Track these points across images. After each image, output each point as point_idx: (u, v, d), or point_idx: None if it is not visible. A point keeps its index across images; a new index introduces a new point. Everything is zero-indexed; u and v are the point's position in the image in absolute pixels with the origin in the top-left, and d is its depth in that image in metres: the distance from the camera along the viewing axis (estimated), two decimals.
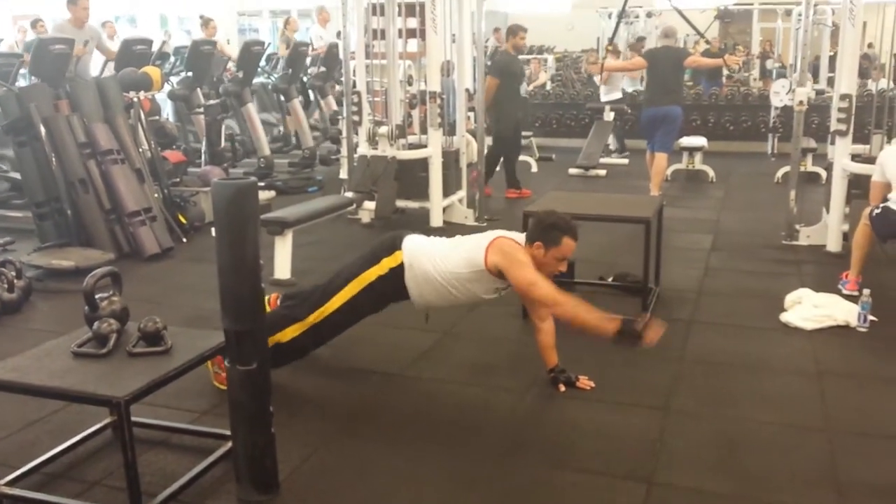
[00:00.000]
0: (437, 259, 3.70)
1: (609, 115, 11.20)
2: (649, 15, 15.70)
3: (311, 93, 10.96)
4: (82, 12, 8.33)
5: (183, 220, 6.82)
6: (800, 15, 10.05)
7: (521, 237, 3.74)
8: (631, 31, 16.37)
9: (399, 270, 3.72)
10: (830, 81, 11.49)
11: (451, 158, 7.51)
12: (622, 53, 13.48)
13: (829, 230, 6.25)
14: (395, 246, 3.76)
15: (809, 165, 8.83)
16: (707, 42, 11.43)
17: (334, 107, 11.18)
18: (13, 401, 3.10)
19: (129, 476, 2.65)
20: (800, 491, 2.95)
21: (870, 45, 11.07)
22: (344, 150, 8.04)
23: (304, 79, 10.99)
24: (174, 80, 9.51)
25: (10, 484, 2.93)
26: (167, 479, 2.98)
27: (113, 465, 3.09)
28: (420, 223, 6.88)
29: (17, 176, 6.76)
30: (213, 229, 2.89)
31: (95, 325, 2.99)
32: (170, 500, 2.83)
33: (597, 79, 12.22)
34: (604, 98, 11.47)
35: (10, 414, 3.45)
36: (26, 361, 2.90)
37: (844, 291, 5.10)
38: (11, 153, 6.79)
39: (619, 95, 11.60)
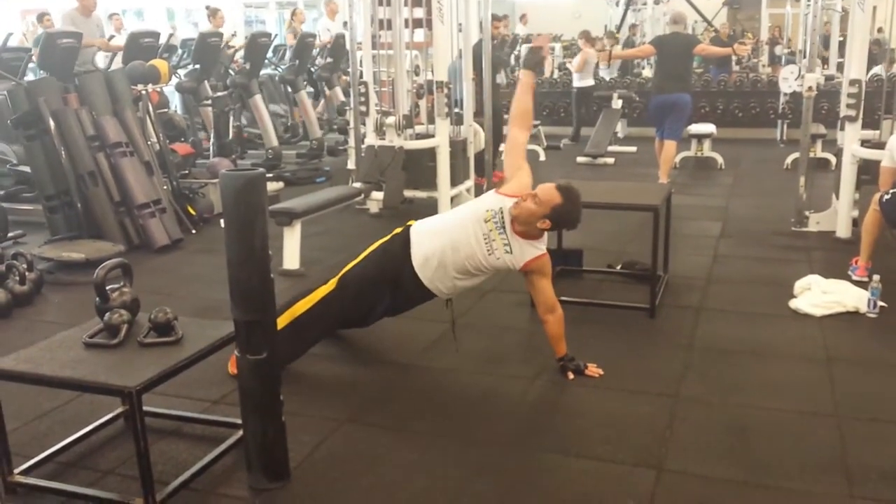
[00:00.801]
0: (441, 216, 3.99)
1: (618, 103, 11.19)
2: (657, 2, 15.64)
3: (317, 84, 10.98)
4: (90, 1, 8.35)
5: (192, 212, 6.85)
6: (809, 0, 10.01)
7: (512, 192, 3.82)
8: (638, 19, 16.33)
9: (405, 232, 3.89)
10: (840, 67, 11.45)
11: (458, 148, 7.50)
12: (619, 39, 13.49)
13: (838, 216, 6.23)
14: (405, 226, 3.95)
15: (819, 151, 8.80)
16: (715, 30, 11.39)
17: (342, 97, 11.18)
18: (26, 391, 3.12)
19: (142, 465, 2.67)
20: (809, 477, 2.96)
21: (879, 30, 11.02)
22: (351, 141, 8.04)
23: (312, 70, 11.00)
24: (182, 72, 9.53)
25: (24, 473, 2.95)
26: (179, 468, 3.00)
27: (125, 454, 3.12)
28: (428, 213, 6.84)
29: (27, 169, 6.79)
30: (222, 220, 2.90)
31: (106, 316, 3.01)
32: (182, 489, 2.85)
33: (603, 66, 12.24)
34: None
35: (23, 404, 3.47)
36: (39, 353, 2.92)
37: (854, 277, 5.09)
38: (21, 147, 6.83)
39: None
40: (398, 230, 3.96)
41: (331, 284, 3.87)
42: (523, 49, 15.57)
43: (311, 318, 3.82)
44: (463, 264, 3.78)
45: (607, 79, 12.87)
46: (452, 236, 3.77)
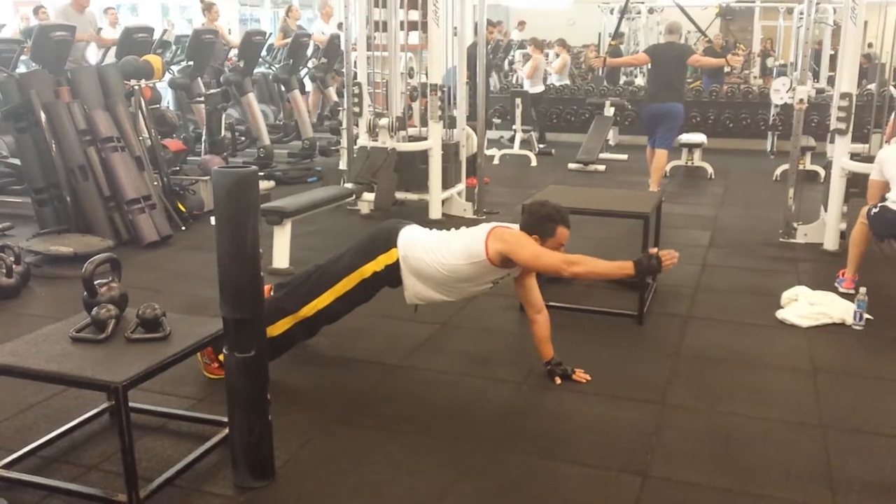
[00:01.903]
0: (433, 252, 3.67)
1: (610, 111, 11.22)
2: (651, 11, 15.70)
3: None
4: None
5: (182, 209, 6.83)
6: (801, 13, 10.07)
7: (516, 227, 3.75)
8: (632, 27, 16.38)
9: (394, 266, 3.71)
10: (831, 80, 11.51)
11: (450, 151, 7.51)
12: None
13: (826, 228, 6.26)
14: (390, 242, 3.73)
15: (808, 164, 8.84)
16: (709, 40, 11.44)
17: (335, 98, 11.18)
18: (11, 385, 3.12)
19: (126, 461, 2.66)
20: (794, 486, 2.97)
21: (870, 45, 11.09)
22: (344, 142, 8.04)
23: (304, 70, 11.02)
24: (175, 68, 9.51)
25: (7, 467, 2.94)
26: (164, 465, 3.00)
27: (110, 449, 3.11)
28: (419, 215, 6.89)
29: (17, 161, 6.76)
30: (212, 218, 2.89)
31: (94, 310, 3.00)
32: (166, 485, 2.84)
33: (599, 72, 12.36)
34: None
35: (7, 398, 3.47)
36: (24, 346, 2.91)
37: (841, 289, 5.12)
38: (11, 139, 6.80)
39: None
40: (377, 268, 3.73)
41: (307, 312, 3.78)
42: (517, 55, 15.66)
43: (290, 337, 3.83)
44: (459, 294, 3.81)
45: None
46: (456, 289, 3.75)
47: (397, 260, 3.69)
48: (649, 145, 8.54)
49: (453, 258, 3.65)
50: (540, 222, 3.69)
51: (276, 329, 3.72)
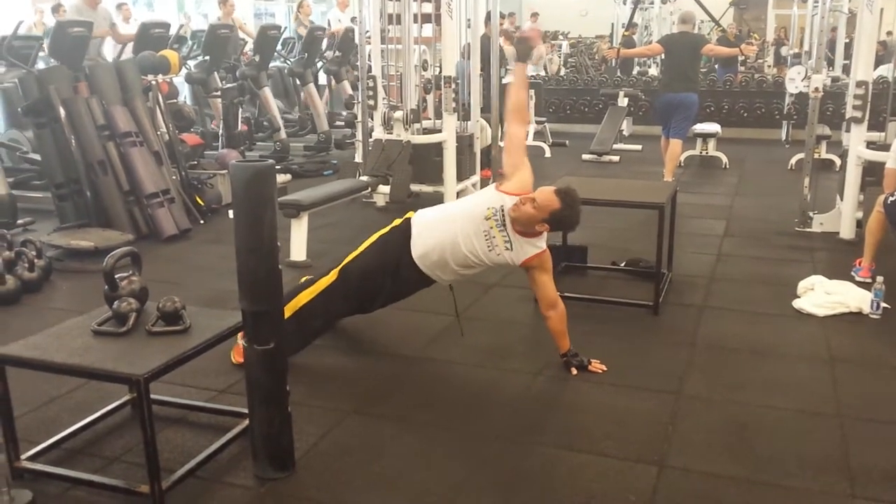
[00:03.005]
0: (441, 208, 3.96)
1: (623, 101, 11.20)
2: (664, 1, 15.63)
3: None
4: None
5: (200, 202, 6.87)
6: (816, 1, 10.01)
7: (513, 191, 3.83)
8: (645, 18, 16.32)
9: (405, 224, 3.90)
10: (846, 69, 11.44)
11: (465, 143, 7.53)
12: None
13: (842, 217, 6.24)
14: (404, 217, 3.97)
15: (823, 152, 8.80)
16: (723, 29, 11.40)
17: (349, 91, 11.20)
18: (34, 378, 3.14)
19: (148, 452, 2.68)
20: (811, 476, 2.97)
21: (889, 34, 11.01)
22: (359, 135, 8.07)
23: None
24: (192, 63, 9.55)
25: (31, 459, 2.98)
26: (185, 456, 3.03)
27: (132, 441, 3.15)
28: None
29: (37, 157, 6.81)
30: (230, 211, 2.92)
31: (115, 304, 3.03)
32: (188, 476, 2.87)
33: (613, 62, 12.32)
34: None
35: (31, 391, 3.50)
36: (47, 339, 2.94)
37: (857, 278, 5.11)
38: (31, 134, 6.86)
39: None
40: (397, 222, 3.98)
41: (332, 275, 3.90)
42: None
43: (313, 309, 3.85)
44: (463, 258, 3.80)
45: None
46: (453, 231, 3.78)
47: (407, 219, 3.94)
48: (663, 135, 8.53)
49: (463, 202, 3.99)
50: (558, 220, 3.76)
51: (301, 300, 3.83)
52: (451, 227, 3.80)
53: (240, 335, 3.60)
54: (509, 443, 3.22)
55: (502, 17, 8.54)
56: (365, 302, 4.02)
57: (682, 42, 8.37)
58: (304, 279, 4.15)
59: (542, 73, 13.08)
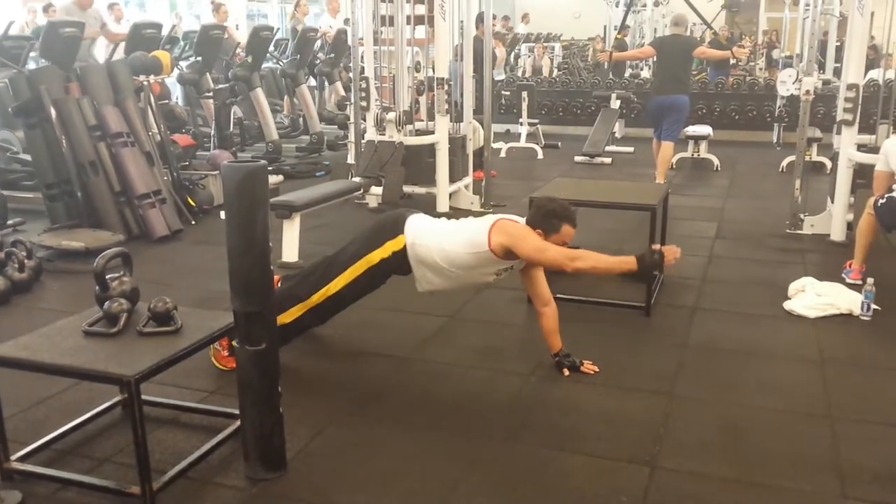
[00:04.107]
0: (439, 241, 3.71)
1: (616, 104, 11.22)
2: (657, 3, 15.67)
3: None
4: None
5: (192, 203, 6.86)
6: (807, 4, 10.04)
7: (521, 220, 3.77)
8: (638, 20, 16.36)
9: (401, 253, 3.74)
10: (836, 71, 11.48)
11: (457, 144, 7.53)
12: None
13: (833, 219, 6.26)
14: (397, 229, 3.77)
15: (814, 155, 8.83)
16: (715, 32, 11.43)
17: (342, 92, 11.21)
18: (24, 378, 3.12)
19: (139, 453, 2.68)
20: (802, 476, 2.98)
21: (871, 38, 11.04)
22: (351, 136, 8.07)
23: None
24: (183, 64, 9.54)
25: (21, 460, 2.97)
26: (176, 457, 3.02)
27: (122, 442, 3.14)
28: (427, 208, 6.87)
29: (28, 157, 6.79)
30: (221, 212, 2.91)
31: (106, 304, 3.02)
32: (178, 477, 2.87)
33: (605, 65, 12.35)
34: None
35: (20, 391, 3.49)
36: (37, 340, 2.93)
37: (848, 280, 5.12)
38: (22, 135, 6.84)
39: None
40: (388, 248, 3.76)
41: (320, 298, 3.84)
42: (524, 48, 15.67)
43: (299, 324, 3.88)
44: (461, 281, 3.83)
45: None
46: (455, 268, 3.73)
47: (404, 247, 3.73)
48: (655, 137, 8.56)
49: (457, 247, 3.68)
50: (546, 217, 3.70)
51: (287, 317, 3.78)
52: (454, 274, 3.75)
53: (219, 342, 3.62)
54: (502, 443, 3.22)
55: (494, 18, 8.53)
56: (375, 286, 3.97)
57: (674, 44, 8.39)
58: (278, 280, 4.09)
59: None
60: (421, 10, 7.37)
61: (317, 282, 3.85)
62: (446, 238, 3.71)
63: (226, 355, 3.75)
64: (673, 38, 8.54)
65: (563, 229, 3.69)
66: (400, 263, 3.76)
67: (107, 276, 3.12)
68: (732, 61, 12.95)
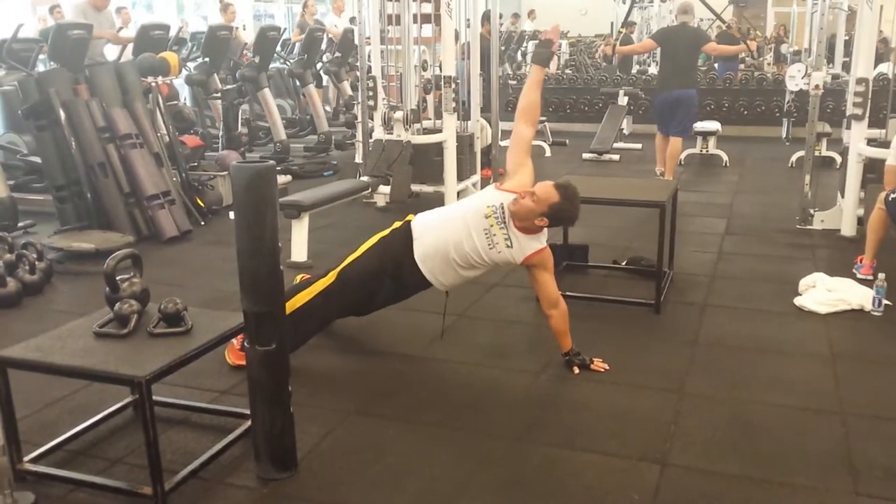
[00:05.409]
0: (442, 210, 3.99)
1: (623, 100, 11.20)
2: None
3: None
4: None
5: (201, 204, 6.87)
6: None
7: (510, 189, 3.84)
8: (644, 16, 16.33)
9: (406, 227, 3.91)
10: (845, 66, 11.43)
11: (465, 143, 7.53)
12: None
13: (843, 214, 6.24)
14: (404, 220, 3.98)
15: (824, 150, 8.80)
16: (727, 26, 11.37)
17: (349, 92, 11.20)
18: (36, 380, 3.14)
19: (151, 454, 2.69)
20: (814, 473, 2.97)
21: (880, 32, 10.99)
22: (359, 135, 8.08)
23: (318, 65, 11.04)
24: (191, 65, 9.55)
25: (34, 461, 2.98)
26: (188, 457, 3.03)
27: (134, 443, 3.15)
28: (433, 207, 6.89)
29: (37, 159, 6.81)
30: (230, 213, 2.92)
31: (116, 306, 3.03)
32: (190, 478, 2.87)
33: (614, 59, 12.30)
34: None
35: (32, 393, 3.50)
36: (49, 341, 2.95)
37: (859, 276, 5.10)
38: (31, 137, 6.86)
39: None
40: (397, 224, 3.99)
41: (331, 277, 3.89)
42: (530, 45, 15.64)
43: (310, 311, 3.84)
44: (465, 257, 3.81)
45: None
46: (454, 231, 3.80)
47: (408, 221, 3.95)
48: (660, 133, 8.43)
49: (462, 204, 4.01)
50: (557, 214, 3.75)
51: (299, 300, 3.81)
52: (453, 226, 3.81)
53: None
54: (512, 442, 3.22)
55: (488, 19, 8.51)
56: (363, 304, 4.03)
57: (682, 35, 8.19)
58: (298, 278, 4.17)
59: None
60: (427, 8, 7.38)
61: (331, 268, 3.97)
62: (451, 206, 4.02)
63: (237, 348, 3.75)
64: (680, 29, 8.34)
65: (551, 225, 3.84)
66: (405, 239, 3.87)
67: (117, 278, 3.12)
68: (741, 56, 12.89)
